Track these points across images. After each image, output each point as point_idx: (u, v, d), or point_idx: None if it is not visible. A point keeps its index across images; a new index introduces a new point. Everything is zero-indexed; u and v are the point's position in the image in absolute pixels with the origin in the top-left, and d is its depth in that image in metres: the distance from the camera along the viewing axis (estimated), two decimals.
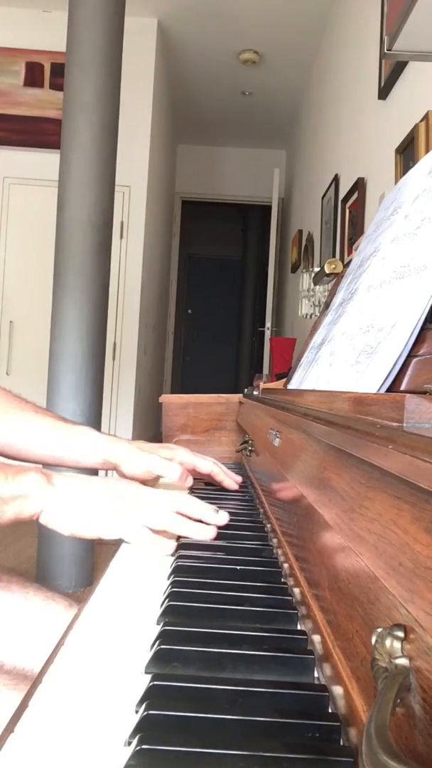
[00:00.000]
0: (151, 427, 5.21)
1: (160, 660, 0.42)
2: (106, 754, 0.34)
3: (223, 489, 0.96)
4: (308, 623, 0.46)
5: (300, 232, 5.01)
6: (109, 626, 0.51)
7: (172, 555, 0.66)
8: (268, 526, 0.76)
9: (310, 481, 0.50)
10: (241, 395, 1.42)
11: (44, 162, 4.07)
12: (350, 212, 3.15)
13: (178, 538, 0.73)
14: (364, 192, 2.90)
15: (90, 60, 2.79)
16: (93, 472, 0.89)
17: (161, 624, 0.47)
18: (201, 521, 0.70)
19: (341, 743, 0.34)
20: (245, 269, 8.36)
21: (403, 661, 0.26)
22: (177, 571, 0.60)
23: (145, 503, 0.68)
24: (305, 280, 4.13)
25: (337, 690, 0.36)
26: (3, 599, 0.79)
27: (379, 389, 0.53)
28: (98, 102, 2.80)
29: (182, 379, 8.29)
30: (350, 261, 0.92)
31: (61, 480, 0.66)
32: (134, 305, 4.37)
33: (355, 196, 3.00)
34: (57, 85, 4.00)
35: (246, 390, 1.39)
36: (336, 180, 3.57)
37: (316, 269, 3.75)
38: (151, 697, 0.37)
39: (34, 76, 4.24)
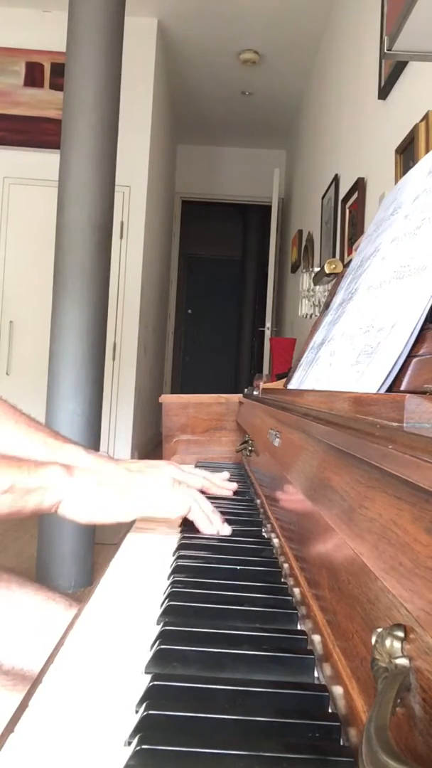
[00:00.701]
0: (151, 427, 5.21)
1: (160, 660, 0.42)
2: (106, 754, 0.34)
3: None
4: (308, 623, 0.46)
5: (300, 232, 5.01)
6: (109, 626, 0.51)
7: (173, 554, 0.66)
8: (268, 525, 0.76)
9: (310, 481, 0.50)
10: (241, 395, 1.42)
11: (44, 162, 4.07)
12: (350, 212, 3.15)
13: (181, 527, 0.73)
14: (364, 192, 2.90)
15: (90, 60, 2.79)
16: None
17: (161, 624, 0.47)
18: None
19: (341, 743, 0.34)
20: (245, 269, 8.36)
21: (403, 661, 0.26)
22: (177, 571, 0.60)
23: (159, 485, 0.71)
24: (305, 280, 4.13)
25: (337, 690, 0.36)
26: (3, 599, 0.79)
27: (379, 389, 0.53)
28: (98, 102, 2.80)
29: (182, 379, 8.29)
30: (350, 261, 0.92)
31: (81, 471, 0.69)
32: (134, 305, 4.36)
33: (355, 196, 3.00)
34: (57, 85, 4.00)
35: (246, 390, 1.39)
36: (336, 180, 3.57)
37: (316, 269, 3.75)
38: (151, 697, 0.37)
39: (34, 76, 4.24)
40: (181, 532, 0.75)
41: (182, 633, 0.45)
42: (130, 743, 0.33)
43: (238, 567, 0.61)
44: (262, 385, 1.27)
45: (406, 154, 2.23)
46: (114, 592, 0.58)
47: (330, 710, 0.37)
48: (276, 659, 0.42)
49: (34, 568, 2.85)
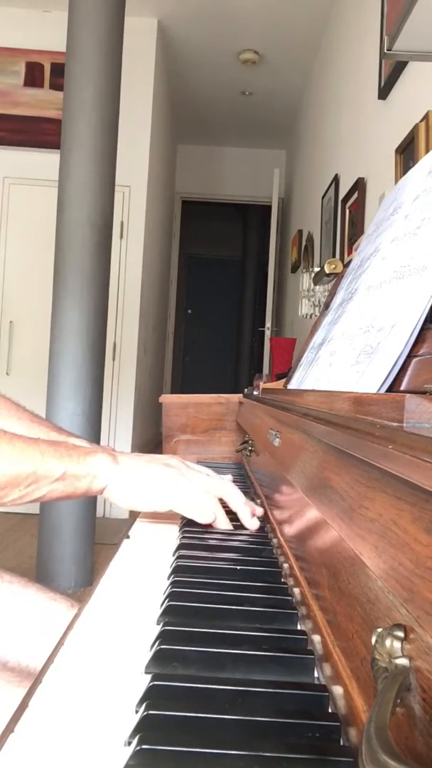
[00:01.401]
0: (151, 427, 5.21)
1: (160, 660, 0.42)
2: (105, 754, 0.34)
3: None
4: (308, 623, 0.46)
5: (300, 232, 5.01)
6: (109, 626, 0.51)
7: (173, 554, 0.66)
8: (268, 525, 0.76)
9: (310, 481, 0.50)
10: (241, 395, 1.42)
11: (44, 162, 4.06)
12: (350, 212, 3.15)
13: (181, 527, 0.74)
14: (364, 192, 2.90)
15: (90, 60, 2.79)
16: None
17: (161, 624, 0.47)
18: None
19: (341, 743, 0.34)
20: (245, 269, 8.36)
21: (403, 661, 0.26)
22: (177, 571, 0.60)
23: (194, 478, 0.76)
24: (305, 280, 4.13)
25: (337, 690, 0.36)
26: (6, 599, 0.80)
27: (379, 389, 0.53)
28: (98, 102, 2.80)
29: (182, 379, 8.29)
30: (350, 261, 0.92)
31: (125, 459, 0.74)
32: (134, 305, 4.36)
33: (355, 196, 3.00)
34: (57, 85, 4.00)
35: (246, 390, 1.39)
36: (336, 180, 3.57)
37: (316, 269, 3.75)
38: (151, 697, 0.37)
39: (34, 76, 4.24)
40: (181, 529, 0.75)
41: (182, 633, 0.45)
42: (130, 743, 0.33)
43: (238, 567, 0.61)
44: (262, 385, 1.27)
45: (406, 154, 2.23)
46: (114, 592, 0.58)
47: (330, 710, 0.37)
48: (276, 659, 0.42)
49: (34, 568, 2.85)
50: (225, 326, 8.65)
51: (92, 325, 2.81)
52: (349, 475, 0.40)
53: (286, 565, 0.59)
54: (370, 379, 0.55)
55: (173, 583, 0.56)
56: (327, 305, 0.98)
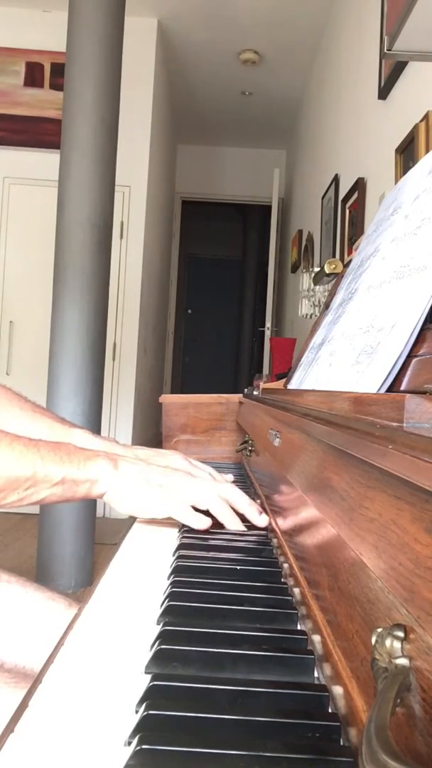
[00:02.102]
0: (151, 427, 5.21)
1: (160, 660, 0.42)
2: (105, 754, 0.34)
3: None
4: (308, 623, 0.46)
5: (300, 232, 5.01)
6: (109, 626, 0.51)
7: (173, 554, 0.66)
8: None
9: (310, 481, 0.50)
10: (241, 395, 1.42)
11: (44, 162, 4.06)
12: (350, 212, 3.15)
13: (181, 527, 0.74)
14: (364, 192, 2.90)
15: (90, 60, 2.79)
16: None
17: (161, 624, 0.47)
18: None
19: (341, 743, 0.34)
20: (245, 269, 8.36)
21: (403, 661, 0.26)
22: (177, 570, 0.60)
23: (195, 484, 0.76)
24: (305, 280, 4.13)
25: (337, 690, 0.36)
26: (4, 598, 0.79)
27: (379, 389, 0.53)
28: (98, 102, 2.80)
29: (182, 379, 8.29)
30: (350, 261, 0.92)
31: (125, 466, 0.74)
32: (134, 305, 4.36)
33: (355, 196, 3.00)
34: (57, 85, 4.00)
35: (246, 390, 1.39)
36: (336, 180, 3.57)
37: (316, 269, 3.75)
38: (151, 697, 0.37)
39: (34, 76, 4.24)
40: (181, 529, 0.75)
41: (182, 633, 0.45)
42: (130, 743, 0.33)
43: (238, 567, 0.61)
44: (262, 385, 1.27)
45: (406, 154, 2.23)
46: (114, 592, 0.58)
47: (330, 710, 0.37)
48: (276, 659, 0.42)
49: (34, 568, 2.85)
50: (225, 326, 8.65)
51: (92, 325, 2.81)
52: (349, 475, 0.40)
53: (286, 565, 0.59)
54: (370, 379, 0.55)
55: (173, 583, 0.56)
56: (327, 305, 0.98)
